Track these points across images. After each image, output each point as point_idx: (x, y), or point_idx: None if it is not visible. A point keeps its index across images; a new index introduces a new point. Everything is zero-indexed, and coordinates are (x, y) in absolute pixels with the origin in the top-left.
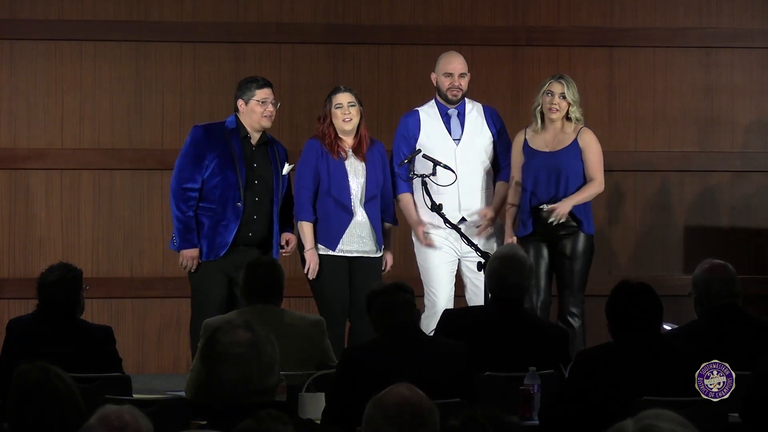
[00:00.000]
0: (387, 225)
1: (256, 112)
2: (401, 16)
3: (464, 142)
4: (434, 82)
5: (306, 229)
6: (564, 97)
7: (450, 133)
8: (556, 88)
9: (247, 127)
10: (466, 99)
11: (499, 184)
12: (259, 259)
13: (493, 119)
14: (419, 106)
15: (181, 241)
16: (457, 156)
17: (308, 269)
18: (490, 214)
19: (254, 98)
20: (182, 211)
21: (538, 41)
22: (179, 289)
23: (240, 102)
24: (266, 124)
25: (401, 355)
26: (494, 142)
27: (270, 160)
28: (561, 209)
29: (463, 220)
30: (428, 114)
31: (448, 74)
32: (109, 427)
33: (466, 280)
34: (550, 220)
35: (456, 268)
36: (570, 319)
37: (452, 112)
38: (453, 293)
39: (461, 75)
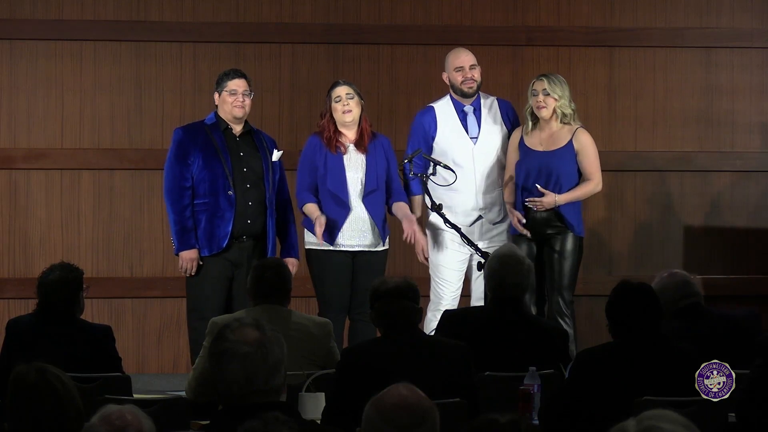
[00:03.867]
0: (398, 204)
1: (227, 102)
2: (401, 16)
3: (481, 140)
4: (446, 81)
5: (310, 208)
6: (548, 94)
7: (467, 132)
8: (539, 86)
9: (225, 119)
10: (480, 93)
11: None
12: (266, 260)
13: (508, 113)
14: (433, 102)
15: (179, 243)
16: (474, 154)
17: (321, 225)
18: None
19: (225, 89)
20: (177, 212)
21: (538, 41)
22: (179, 289)
23: (215, 95)
24: (237, 113)
25: (401, 355)
26: (510, 137)
27: (257, 147)
28: (545, 201)
29: (479, 218)
30: (444, 112)
31: (458, 68)
32: (111, 426)
33: (475, 274)
34: (530, 206)
35: (466, 266)
36: (560, 319)
37: (468, 109)
38: (460, 291)
39: (471, 66)
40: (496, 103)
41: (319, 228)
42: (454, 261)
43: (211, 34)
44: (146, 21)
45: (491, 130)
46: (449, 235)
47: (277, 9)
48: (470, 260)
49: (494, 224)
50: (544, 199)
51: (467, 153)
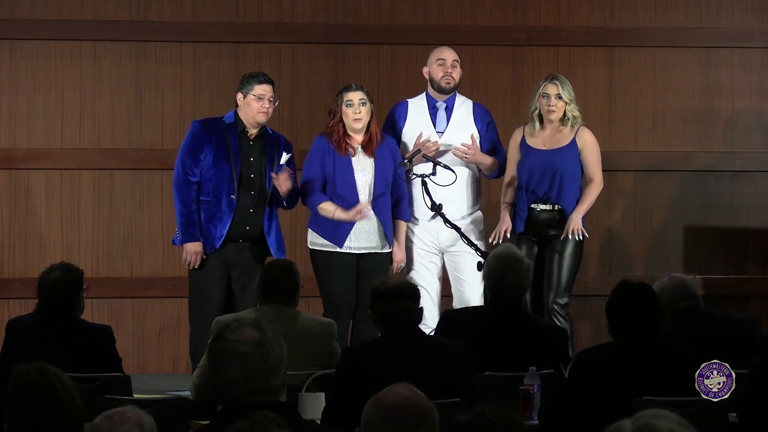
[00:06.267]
0: (399, 222)
1: (252, 106)
2: (401, 16)
3: (447, 135)
4: (426, 76)
5: (326, 206)
6: (560, 98)
7: (434, 126)
8: (551, 89)
9: (244, 121)
10: (456, 94)
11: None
12: (275, 261)
13: (481, 116)
14: (410, 98)
15: (183, 234)
16: (438, 148)
17: (361, 213)
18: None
19: (252, 92)
20: (185, 204)
21: (538, 41)
22: (179, 289)
23: (239, 95)
24: (261, 119)
25: (401, 355)
26: (480, 139)
27: (266, 153)
28: (574, 225)
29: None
30: (416, 105)
31: (441, 61)
32: (111, 421)
33: (452, 273)
34: (578, 238)
35: (441, 264)
36: (554, 319)
37: (440, 105)
38: (439, 289)
39: (453, 64)
40: (471, 105)
41: (360, 214)
42: (427, 262)
43: (211, 34)
44: (146, 21)
45: (459, 127)
46: (416, 241)
47: (277, 9)
48: (442, 260)
49: (456, 220)
50: (572, 226)
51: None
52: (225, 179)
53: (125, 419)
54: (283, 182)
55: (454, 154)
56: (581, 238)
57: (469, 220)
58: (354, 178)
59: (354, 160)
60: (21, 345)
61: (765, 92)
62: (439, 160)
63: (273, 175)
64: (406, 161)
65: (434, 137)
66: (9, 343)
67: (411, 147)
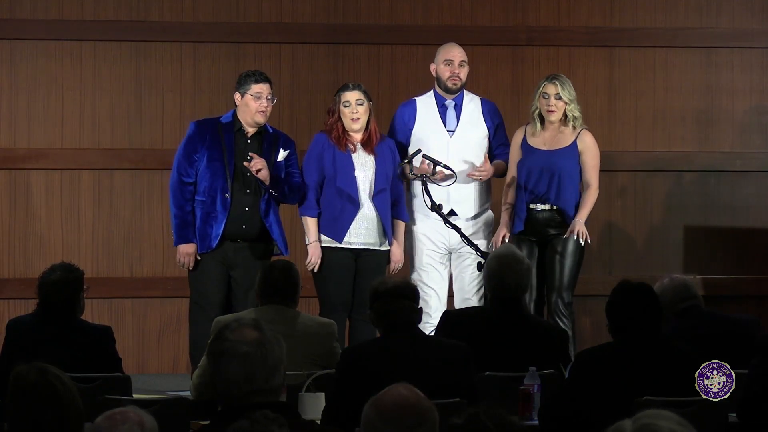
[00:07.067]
0: (398, 222)
1: (250, 106)
2: (401, 16)
3: (458, 134)
4: (434, 73)
5: (310, 223)
6: (560, 98)
7: (445, 125)
8: (551, 89)
9: (243, 121)
10: (464, 91)
11: (497, 162)
12: (275, 261)
13: (490, 114)
14: (417, 96)
15: (177, 236)
16: (449, 148)
17: (309, 261)
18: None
19: (249, 92)
20: (179, 206)
21: (538, 41)
22: (179, 289)
23: (237, 95)
24: (259, 119)
25: (401, 356)
26: (489, 137)
27: (264, 151)
28: (579, 228)
29: (452, 213)
30: (425, 104)
31: (448, 62)
32: (112, 420)
33: (455, 273)
34: (581, 242)
35: (449, 263)
36: (558, 320)
37: (449, 103)
38: (446, 290)
39: (461, 63)
40: (479, 101)
41: (312, 260)
42: (435, 261)
43: (211, 34)
44: (146, 21)
45: (470, 126)
46: (426, 241)
47: (277, 9)
48: (449, 260)
49: (467, 220)
50: (578, 228)
51: (442, 145)
52: (219, 178)
53: (126, 419)
54: (253, 165)
55: (470, 176)
56: (584, 242)
57: (478, 220)
58: (354, 174)
59: (354, 156)
60: (21, 345)
61: (765, 92)
62: (439, 160)
63: (245, 163)
64: (406, 162)
65: (445, 136)
66: (9, 343)
67: (421, 147)
